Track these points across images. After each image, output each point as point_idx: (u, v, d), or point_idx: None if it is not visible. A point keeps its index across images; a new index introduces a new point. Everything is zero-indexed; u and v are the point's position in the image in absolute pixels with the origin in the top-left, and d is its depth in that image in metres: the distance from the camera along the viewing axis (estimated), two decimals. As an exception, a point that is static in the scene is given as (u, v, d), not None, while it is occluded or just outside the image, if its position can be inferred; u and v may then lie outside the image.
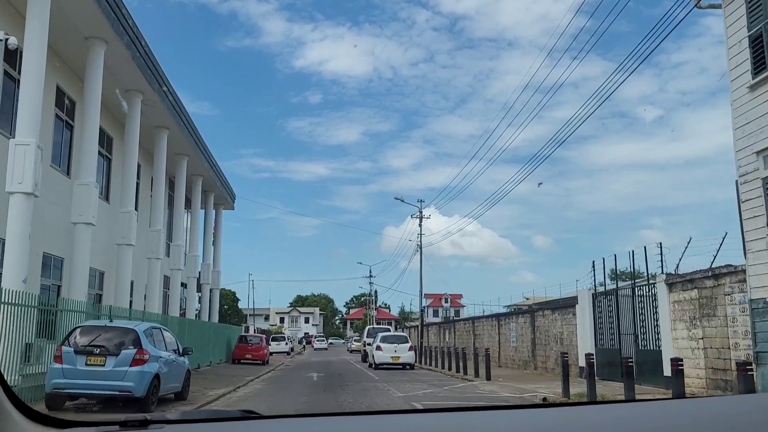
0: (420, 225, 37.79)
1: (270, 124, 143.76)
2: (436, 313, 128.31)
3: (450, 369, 25.39)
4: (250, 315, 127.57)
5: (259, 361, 31.57)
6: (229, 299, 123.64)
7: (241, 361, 31.57)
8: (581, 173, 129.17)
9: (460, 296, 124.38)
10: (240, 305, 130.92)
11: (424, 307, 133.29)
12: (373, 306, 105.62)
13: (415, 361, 28.73)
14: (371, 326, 40.05)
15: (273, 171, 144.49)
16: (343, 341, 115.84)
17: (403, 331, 44.89)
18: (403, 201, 36.59)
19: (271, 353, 51.02)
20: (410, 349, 27.22)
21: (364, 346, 36.91)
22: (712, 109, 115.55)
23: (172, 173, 28.29)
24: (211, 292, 35.60)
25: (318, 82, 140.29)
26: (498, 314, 31.62)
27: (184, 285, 31.27)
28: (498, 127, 48.59)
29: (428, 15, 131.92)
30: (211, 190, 34.16)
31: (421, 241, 38.66)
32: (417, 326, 46.95)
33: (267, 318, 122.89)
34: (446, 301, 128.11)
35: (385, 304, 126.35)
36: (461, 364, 23.85)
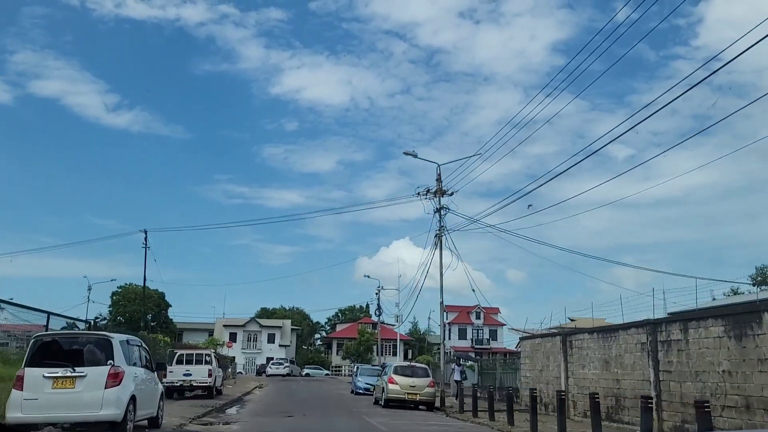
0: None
1: (245, 150, 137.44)
2: (463, 334, 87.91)
3: None
4: (186, 329, 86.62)
5: None
6: (154, 303, 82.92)
7: None
8: (553, 209, 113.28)
9: (496, 311, 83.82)
10: (183, 319, 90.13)
11: (444, 323, 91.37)
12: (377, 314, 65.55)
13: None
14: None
15: (247, 197, 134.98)
16: (326, 372, 75.90)
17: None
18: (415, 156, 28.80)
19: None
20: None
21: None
22: (682, 150, 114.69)
23: None
24: None
25: (294, 110, 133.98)
26: None
27: None
28: (473, 161, 27.30)
29: (405, 47, 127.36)
30: None
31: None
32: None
33: (211, 333, 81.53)
34: (477, 317, 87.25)
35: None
36: None
